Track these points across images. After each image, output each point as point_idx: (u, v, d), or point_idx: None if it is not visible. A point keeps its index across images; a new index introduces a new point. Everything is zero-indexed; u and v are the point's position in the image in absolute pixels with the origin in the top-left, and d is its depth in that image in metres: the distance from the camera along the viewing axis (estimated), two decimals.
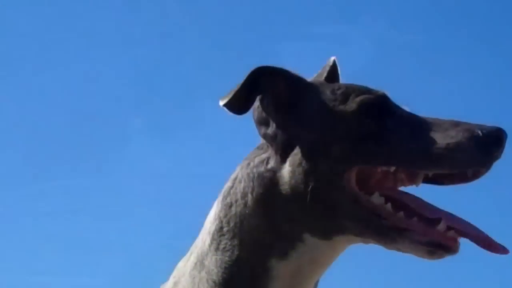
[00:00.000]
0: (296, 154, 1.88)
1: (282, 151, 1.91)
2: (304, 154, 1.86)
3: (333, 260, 1.92)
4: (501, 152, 1.78)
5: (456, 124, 1.80)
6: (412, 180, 1.86)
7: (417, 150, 1.78)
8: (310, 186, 1.83)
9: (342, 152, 1.83)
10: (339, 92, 1.91)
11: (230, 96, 1.89)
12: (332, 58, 2.11)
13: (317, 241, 1.86)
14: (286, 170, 1.88)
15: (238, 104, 1.92)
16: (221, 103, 1.90)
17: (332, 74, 2.10)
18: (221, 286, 1.89)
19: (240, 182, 1.94)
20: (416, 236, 1.77)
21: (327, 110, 1.89)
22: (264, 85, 1.93)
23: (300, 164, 1.86)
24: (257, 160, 1.95)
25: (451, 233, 1.77)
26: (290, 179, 1.86)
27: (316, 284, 1.97)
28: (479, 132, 1.76)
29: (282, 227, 1.87)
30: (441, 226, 1.77)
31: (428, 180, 1.87)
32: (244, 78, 1.90)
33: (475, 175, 1.82)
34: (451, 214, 1.83)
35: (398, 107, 1.90)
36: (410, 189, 1.88)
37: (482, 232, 1.80)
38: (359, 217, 1.81)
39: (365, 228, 1.81)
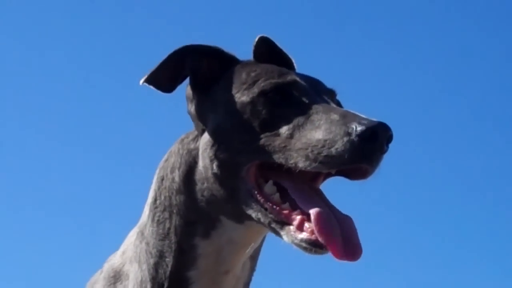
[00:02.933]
0: (204, 138, 1.87)
1: (200, 131, 1.91)
2: (208, 139, 1.85)
3: (251, 242, 1.91)
4: (380, 147, 1.68)
5: (344, 116, 1.71)
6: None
7: (299, 148, 1.73)
8: (214, 172, 1.83)
9: (241, 144, 1.80)
10: (252, 75, 1.87)
11: (148, 74, 1.90)
12: (258, 36, 1.99)
13: (232, 223, 1.86)
14: (200, 152, 1.89)
15: (162, 82, 1.91)
16: (141, 81, 1.91)
17: (266, 52, 1.98)
18: (156, 258, 1.92)
19: (171, 156, 1.96)
20: (292, 232, 1.73)
21: (232, 95, 1.85)
22: (190, 63, 1.91)
23: (205, 149, 1.85)
24: (191, 136, 1.95)
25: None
26: (201, 161, 1.87)
27: (253, 266, 1.98)
28: (354, 127, 1.67)
29: (203, 207, 1.88)
30: (312, 224, 1.71)
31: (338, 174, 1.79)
32: (166, 56, 1.90)
33: (366, 171, 1.73)
34: (326, 212, 1.74)
35: (310, 94, 1.82)
36: None
37: (343, 239, 1.71)
38: (254, 209, 1.79)
39: (259, 220, 1.79)
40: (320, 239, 1.69)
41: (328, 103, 1.83)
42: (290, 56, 2.02)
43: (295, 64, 2.02)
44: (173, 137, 2.03)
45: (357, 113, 1.73)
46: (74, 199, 8.21)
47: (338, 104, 1.91)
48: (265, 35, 1.99)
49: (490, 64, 9.06)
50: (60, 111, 8.36)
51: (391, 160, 1.77)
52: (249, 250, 1.93)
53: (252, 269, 2.00)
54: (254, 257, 1.98)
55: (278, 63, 1.95)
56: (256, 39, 1.98)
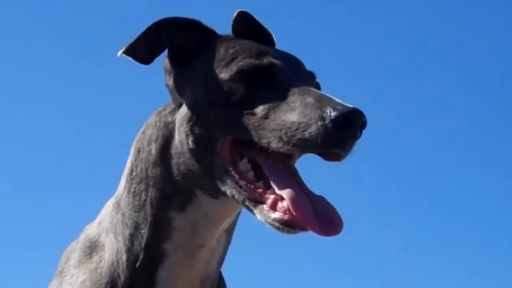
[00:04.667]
0: (181, 113, 1.88)
1: (178, 104, 1.91)
2: (185, 114, 1.86)
3: (227, 217, 1.92)
4: (353, 133, 1.69)
5: (319, 100, 1.72)
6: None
7: (273, 128, 1.74)
8: (190, 147, 1.84)
9: (216, 119, 1.81)
10: (230, 51, 1.87)
11: (126, 45, 1.91)
12: (237, 11, 1.98)
13: (208, 198, 1.87)
14: (176, 126, 1.90)
15: (140, 53, 1.92)
16: (119, 52, 1.91)
17: (246, 27, 1.98)
18: (132, 229, 1.94)
19: (148, 128, 1.96)
20: (265, 211, 1.75)
21: (210, 71, 1.86)
22: (168, 36, 1.91)
23: (182, 124, 1.86)
24: (168, 108, 1.95)
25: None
26: (177, 136, 1.88)
27: (228, 239, 1.99)
28: (329, 112, 1.68)
29: (179, 181, 1.89)
30: (285, 204, 1.73)
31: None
32: (145, 28, 1.90)
33: (339, 155, 1.75)
34: (299, 192, 1.75)
35: (288, 76, 1.83)
36: None
37: (321, 218, 1.73)
38: (228, 185, 1.80)
39: (233, 196, 1.80)
40: (297, 218, 1.71)
41: (306, 84, 1.83)
42: (270, 31, 2.01)
43: (275, 39, 2.02)
44: (151, 108, 2.03)
45: (332, 97, 1.73)
46: (51, 168, 8.18)
47: (317, 86, 1.92)
48: (244, 9, 1.97)
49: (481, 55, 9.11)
50: (37, 83, 8.32)
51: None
52: (224, 225, 1.94)
53: (228, 242, 2.01)
54: (229, 231, 2.00)
55: (258, 39, 1.94)
56: (235, 14, 1.97)
